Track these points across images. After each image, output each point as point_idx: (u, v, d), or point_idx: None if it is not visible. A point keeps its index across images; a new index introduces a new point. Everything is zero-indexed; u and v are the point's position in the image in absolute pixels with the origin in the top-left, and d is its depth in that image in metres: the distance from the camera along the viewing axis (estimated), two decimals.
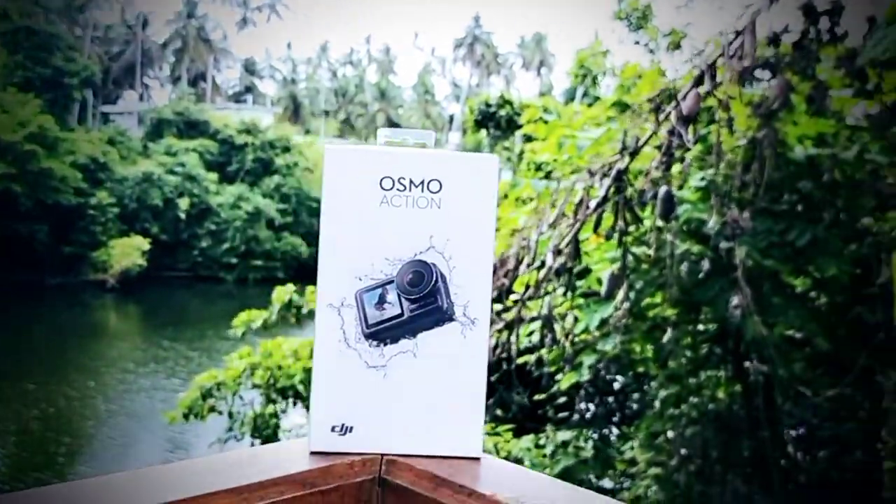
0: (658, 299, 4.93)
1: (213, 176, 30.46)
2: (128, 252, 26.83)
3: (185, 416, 7.13)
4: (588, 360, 4.25)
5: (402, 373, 0.68)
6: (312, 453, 0.68)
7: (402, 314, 0.68)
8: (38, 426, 12.34)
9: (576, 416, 5.26)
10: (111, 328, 22.77)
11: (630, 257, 3.40)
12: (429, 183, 0.67)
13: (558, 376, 4.60)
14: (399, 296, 0.67)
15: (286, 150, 32.85)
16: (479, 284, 0.68)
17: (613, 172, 3.05)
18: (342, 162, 0.67)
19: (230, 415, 7.31)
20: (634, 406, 6.00)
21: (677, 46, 9.19)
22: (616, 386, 5.64)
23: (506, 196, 5.53)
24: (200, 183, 29.76)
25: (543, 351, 4.07)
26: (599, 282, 3.77)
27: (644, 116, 3.11)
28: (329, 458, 0.67)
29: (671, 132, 3.08)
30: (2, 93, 26.45)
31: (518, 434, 4.87)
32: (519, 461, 4.55)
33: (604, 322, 4.22)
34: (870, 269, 4.87)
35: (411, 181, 0.67)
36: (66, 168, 26.22)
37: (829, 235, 4.65)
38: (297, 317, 8.19)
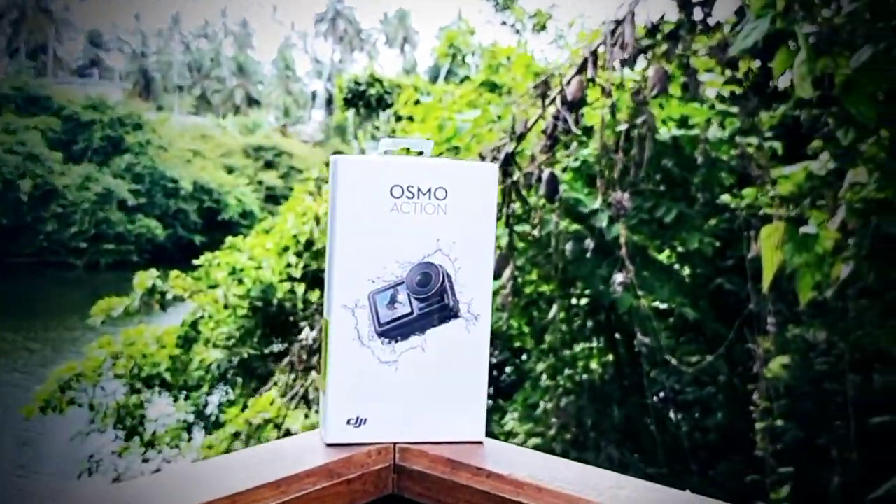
0: (534, 276, 5.12)
1: (58, 155, 28.93)
2: None
3: (43, 410, 6.82)
4: None
5: (412, 367, 0.73)
6: (328, 445, 0.72)
7: (411, 313, 0.73)
8: None
9: None
10: None
11: (515, 237, 3.53)
12: (435, 190, 0.72)
13: None
14: (409, 296, 0.72)
15: (137, 127, 31.56)
16: (482, 283, 0.74)
17: (502, 156, 3.15)
18: (354, 172, 0.71)
19: (91, 407, 7.03)
20: (510, 379, 6.20)
21: (543, 28, 9.41)
22: (493, 361, 5.81)
23: None
24: (44, 163, 28.22)
25: None
26: None
27: (531, 101, 3.23)
28: (345, 449, 0.72)
29: (556, 116, 3.21)
30: None
31: None
32: None
33: None
34: (729, 244, 5.22)
35: (419, 189, 0.72)
36: None
37: (692, 212, 4.95)
38: (161, 303, 7.94)
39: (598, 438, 5.55)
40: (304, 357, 6.54)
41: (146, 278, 7.66)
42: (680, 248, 5.22)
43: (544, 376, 5.54)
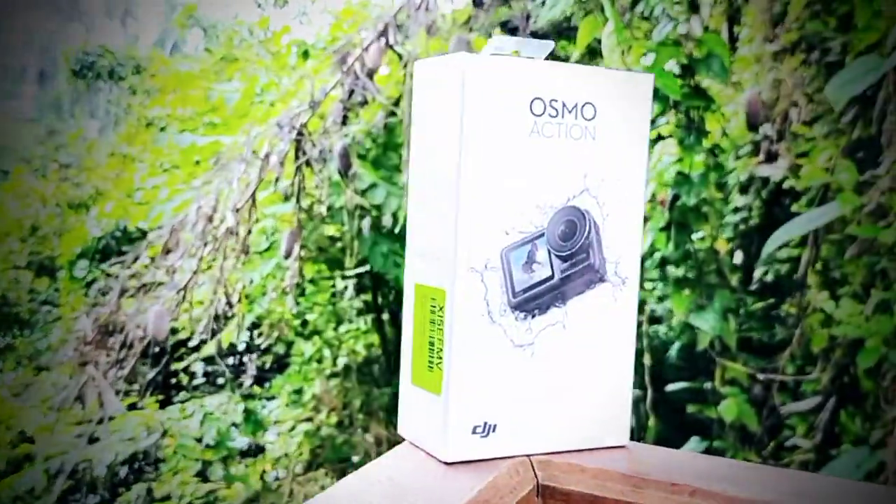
0: (315, 254, 4.89)
1: None
2: None
3: None
4: (248, 322, 4.06)
5: (550, 351, 0.53)
6: (449, 464, 0.51)
7: (552, 276, 0.53)
8: None
9: (221, 381, 5.03)
10: None
11: (304, 215, 3.29)
12: (583, 107, 0.53)
13: (195, 341, 4.33)
14: (549, 253, 0.53)
15: None
16: (631, 235, 0.56)
17: (298, 126, 2.90)
18: (486, 78, 0.50)
19: None
20: (275, 365, 5.91)
21: (285, 3, 9.11)
22: (262, 346, 5.49)
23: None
24: None
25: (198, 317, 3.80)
26: (270, 241, 3.61)
27: (331, 69, 2.99)
28: (471, 467, 0.51)
29: (353, 85, 3.01)
30: None
31: (163, 405, 4.53)
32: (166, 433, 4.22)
33: (266, 280, 4.07)
34: None
35: (564, 105, 0.52)
36: None
37: None
38: None
39: (366, 419, 5.44)
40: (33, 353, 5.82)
41: None
42: None
43: (309, 359, 5.33)
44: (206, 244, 2.88)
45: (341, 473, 5.30)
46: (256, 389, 5.17)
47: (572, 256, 0.53)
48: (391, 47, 3.03)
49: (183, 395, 4.81)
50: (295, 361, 5.37)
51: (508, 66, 0.51)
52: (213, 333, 3.52)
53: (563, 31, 3.28)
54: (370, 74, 3.01)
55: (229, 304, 2.78)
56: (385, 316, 5.55)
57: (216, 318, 2.76)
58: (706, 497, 0.49)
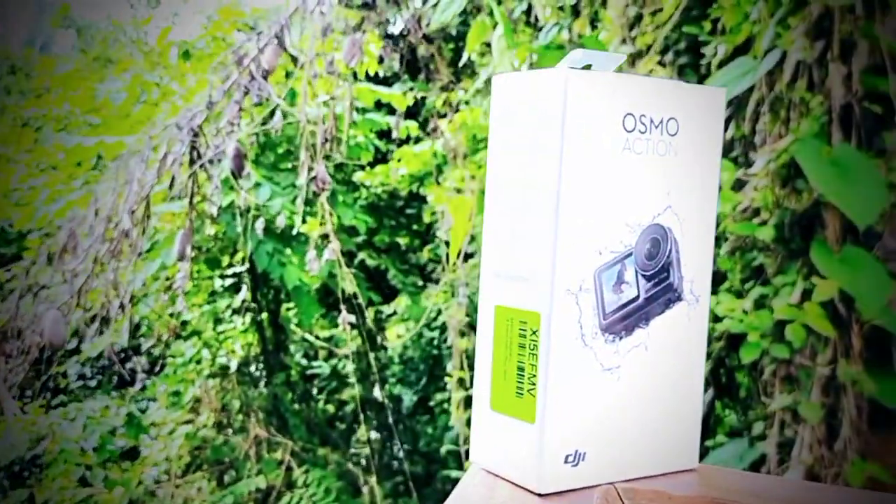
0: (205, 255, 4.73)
1: None
2: None
3: None
4: (133, 323, 3.85)
5: (635, 374, 0.52)
6: (541, 496, 0.49)
7: (638, 296, 0.51)
8: None
9: (104, 384, 4.79)
10: None
11: (196, 215, 3.15)
12: (667, 123, 0.52)
13: (84, 345, 4.10)
14: (636, 272, 0.51)
15: None
16: (704, 252, 0.55)
17: (195, 127, 2.77)
18: (587, 94, 0.48)
19: None
20: (152, 367, 5.67)
21: (158, 3, 8.78)
22: (144, 348, 5.25)
23: None
24: None
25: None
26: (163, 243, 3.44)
27: (213, 69, 2.88)
28: (563, 498, 0.49)
29: (248, 85, 2.91)
30: None
31: (47, 410, 4.27)
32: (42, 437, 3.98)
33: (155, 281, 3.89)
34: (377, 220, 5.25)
35: (651, 120, 0.51)
36: None
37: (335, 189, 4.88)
38: None
39: (245, 419, 5.31)
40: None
41: None
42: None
43: (187, 361, 5.16)
44: (102, 245, 2.73)
45: (220, 476, 5.15)
46: (137, 392, 4.95)
47: (656, 275, 0.52)
48: (286, 49, 2.95)
49: (63, 398, 4.55)
50: (174, 363, 5.18)
51: (605, 80, 0.49)
52: (98, 335, 3.34)
53: (451, 35, 3.27)
54: (265, 75, 2.92)
55: (121, 307, 2.63)
56: (264, 315, 5.43)
57: (104, 320, 2.61)
58: None
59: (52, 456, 3.49)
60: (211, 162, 2.98)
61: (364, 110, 4.40)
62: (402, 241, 5.57)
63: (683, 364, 0.54)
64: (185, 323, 5.06)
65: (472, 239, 3.23)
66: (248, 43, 2.89)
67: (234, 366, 5.30)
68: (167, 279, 3.65)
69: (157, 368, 4.99)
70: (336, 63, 3.08)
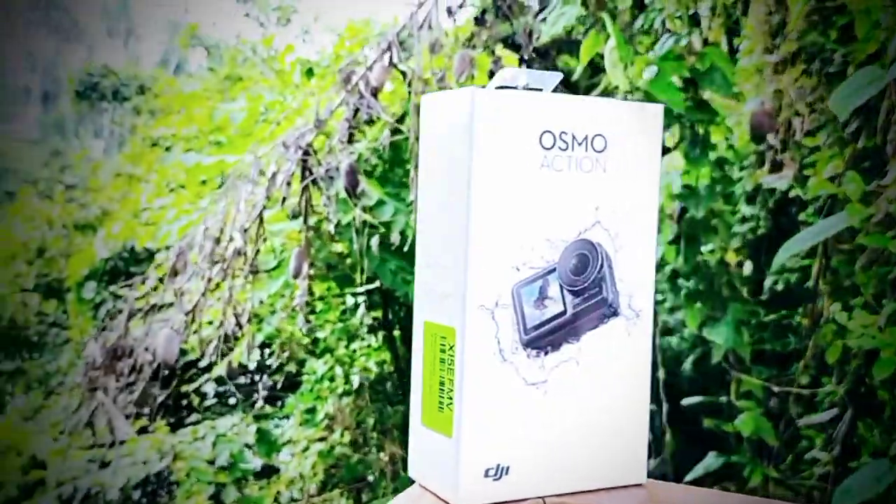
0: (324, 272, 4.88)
1: None
2: None
3: None
4: (258, 341, 4.05)
5: (564, 389, 0.52)
6: None
7: (564, 311, 0.52)
8: None
9: (232, 401, 5.02)
10: None
11: (312, 233, 3.27)
12: (593, 139, 0.52)
13: (204, 362, 4.32)
14: (561, 288, 0.51)
15: None
16: (645, 267, 0.54)
17: (304, 145, 2.89)
18: (498, 111, 0.49)
19: None
20: (285, 384, 5.89)
21: (288, 21, 9.15)
22: (273, 365, 5.47)
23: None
24: None
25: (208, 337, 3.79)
26: (278, 260, 3.60)
27: (335, 88, 2.99)
28: None
29: (358, 104, 3.00)
30: None
31: (174, 428, 4.51)
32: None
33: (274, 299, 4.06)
34: None
35: (574, 137, 0.51)
36: None
37: None
38: None
39: (381, 438, 5.41)
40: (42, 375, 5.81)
41: None
42: None
43: (321, 378, 5.32)
44: (214, 264, 2.87)
45: (357, 494, 5.27)
46: (269, 409, 5.15)
47: (585, 291, 0.52)
48: (395, 65, 3.03)
49: (194, 417, 4.79)
50: (308, 380, 5.36)
51: (516, 99, 0.50)
52: (223, 355, 3.52)
53: (564, 48, 3.27)
54: (374, 93, 3.01)
55: (238, 325, 2.77)
56: (396, 332, 5.53)
57: (225, 338, 2.75)
58: None
59: (181, 474, 3.67)
60: (323, 179, 3.09)
61: None
62: None
63: (625, 379, 0.54)
64: (316, 340, 5.24)
65: None
66: (357, 60, 2.98)
67: (367, 383, 5.43)
68: (290, 297, 3.80)
69: (286, 385, 5.18)
70: (447, 79, 3.13)
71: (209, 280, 2.48)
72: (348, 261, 4.41)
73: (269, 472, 4.74)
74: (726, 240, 3.38)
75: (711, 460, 2.63)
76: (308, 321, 4.37)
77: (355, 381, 5.44)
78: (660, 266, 2.98)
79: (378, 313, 5.36)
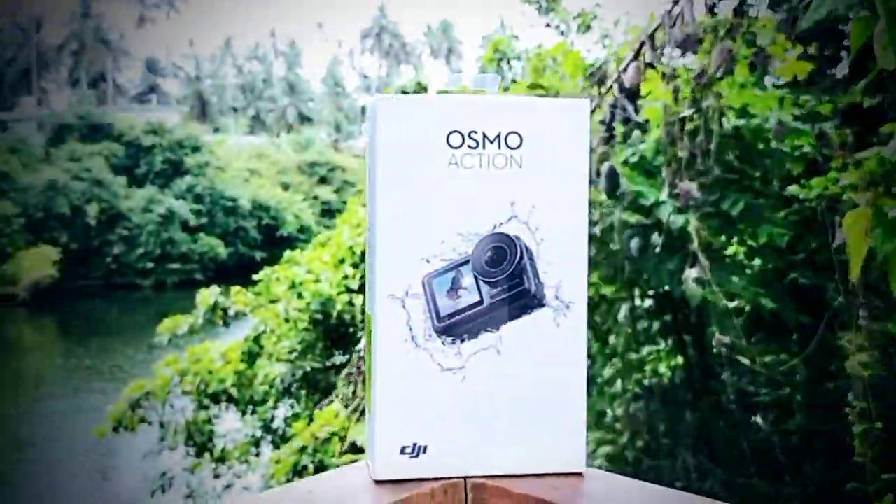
0: (595, 277, 4.90)
1: (122, 180, 29.42)
2: (37, 263, 25.74)
3: (115, 429, 6.83)
4: None
5: (483, 375, 0.55)
6: (377, 482, 0.54)
7: (481, 301, 0.54)
8: None
9: None
10: (24, 342, 21.82)
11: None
12: (507, 137, 0.54)
13: None
14: (476, 279, 0.54)
15: (196, 149, 31.93)
16: (574, 259, 0.55)
17: None
18: (398, 115, 0.53)
19: (161, 424, 7.03)
20: None
21: (588, 28, 9.21)
22: None
23: None
24: (108, 188, 28.72)
25: None
26: None
27: (587, 91, 3.02)
28: (400, 487, 0.54)
29: (613, 105, 3.00)
30: None
31: None
32: None
33: None
34: (800, 236, 4.91)
35: (485, 135, 0.54)
36: None
37: (761, 203, 4.66)
38: (223, 319, 7.94)
39: (672, 445, 5.29)
40: (362, 367, 6.39)
41: (209, 295, 7.62)
42: (750, 242, 4.94)
43: (611, 381, 5.32)
44: None
45: None
46: None
47: (504, 282, 0.54)
48: (650, 65, 2.99)
49: None
50: (599, 383, 5.39)
51: (419, 103, 0.54)
52: None
53: (828, 32, 3.00)
54: (631, 94, 2.99)
55: None
56: (687, 337, 5.38)
57: None
58: None
59: None
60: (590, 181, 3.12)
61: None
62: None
63: (555, 368, 0.55)
64: (605, 343, 5.25)
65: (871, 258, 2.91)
66: (609, 62, 2.98)
67: (658, 388, 5.35)
68: None
69: None
70: (706, 73, 3.03)
71: None
72: (631, 264, 4.38)
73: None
74: None
75: None
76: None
77: (646, 385, 5.37)
78: None
79: (667, 316, 5.25)
